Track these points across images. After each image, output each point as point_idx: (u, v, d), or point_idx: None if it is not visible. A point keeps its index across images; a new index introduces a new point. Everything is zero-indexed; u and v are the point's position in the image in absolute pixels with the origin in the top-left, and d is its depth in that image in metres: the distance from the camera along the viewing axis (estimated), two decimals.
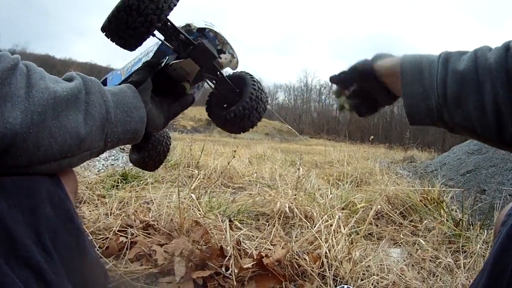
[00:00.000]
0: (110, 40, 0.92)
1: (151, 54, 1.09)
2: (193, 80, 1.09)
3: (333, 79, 1.08)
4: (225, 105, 1.19)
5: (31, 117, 0.57)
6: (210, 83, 1.18)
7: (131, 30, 0.88)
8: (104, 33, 0.92)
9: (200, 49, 1.00)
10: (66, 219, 0.66)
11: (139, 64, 1.11)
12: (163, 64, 1.03)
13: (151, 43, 1.10)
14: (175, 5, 0.92)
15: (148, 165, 1.34)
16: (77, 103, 0.67)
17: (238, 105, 1.11)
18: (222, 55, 1.13)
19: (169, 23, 0.97)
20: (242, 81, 1.16)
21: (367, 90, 1.04)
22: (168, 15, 0.92)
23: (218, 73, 1.12)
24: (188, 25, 1.08)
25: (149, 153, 1.31)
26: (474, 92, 0.73)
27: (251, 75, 1.17)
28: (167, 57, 1.05)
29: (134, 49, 0.96)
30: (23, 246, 0.55)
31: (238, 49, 1.13)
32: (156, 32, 0.95)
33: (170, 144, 1.41)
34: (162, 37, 1.00)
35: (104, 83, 1.27)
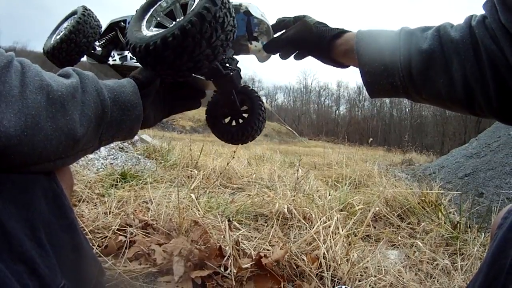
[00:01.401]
0: (149, 63, 0.80)
1: None
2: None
3: (275, 47, 1.06)
4: (224, 117, 1.20)
5: (25, 120, 0.55)
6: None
7: (193, 62, 0.78)
8: (149, 56, 0.78)
9: (227, 80, 0.97)
10: (60, 215, 0.66)
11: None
12: None
13: None
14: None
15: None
16: (74, 102, 0.65)
17: (247, 123, 1.13)
18: (254, 42, 1.10)
19: None
20: (249, 98, 1.16)
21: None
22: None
23: (232, 96, 1.11)
24: (239, 5, 1.05)
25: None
26: (442, 71, 0.74)
27: (256, 92, 1.16)
28: None
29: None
30: (17, 240, 0.55)
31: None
32: None
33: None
34: None
35: (123, 24, 1.20)
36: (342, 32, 0.94)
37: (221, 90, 1.04)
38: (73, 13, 1.19)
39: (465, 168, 3.48)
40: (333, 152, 5.44)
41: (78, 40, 1.11)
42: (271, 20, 1.11)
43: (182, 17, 0.81)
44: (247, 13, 1.06)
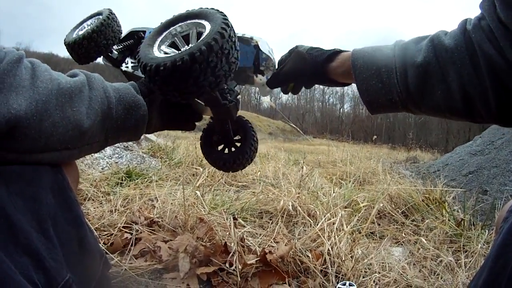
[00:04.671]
0: (156, 83, 0.81)
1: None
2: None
3: (276, 82, 1.10)
4: (218, 144, 1.24)
5: (35, 105, 0.59)
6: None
7: (196, 87, 0.80)
8: (157, 76, 0.78)
9: (223, 110, 1.03)
10: (66, 207, 0.68)
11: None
12: None
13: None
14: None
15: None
16: (81, 96, 0.69)
17: (239, 152, 1.18)
18: (259, 75, 1.13)
19: None
20: (243, 128, 1.21)
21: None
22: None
23: (227, 125, 1.15)
24: (251, 38, 1.10)
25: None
26: (439, 82, 0.73)
27: (250, 123, 1.21)
28: None
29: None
30: (24, 233, 0.56)
31: None
32: None
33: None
34: None
35: (143, 34, 1.26)
36: (335, 53, 0.95)
37: (217, 118, 1.10)
38: (98, 13, 1.23)
39: (469, 166, 3.47)
40: (337, 150, 5.42)
41: (98, 40, 1.15)
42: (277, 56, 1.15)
43: (194, 44, 0.84)
44: (257, 47, 1.10)
